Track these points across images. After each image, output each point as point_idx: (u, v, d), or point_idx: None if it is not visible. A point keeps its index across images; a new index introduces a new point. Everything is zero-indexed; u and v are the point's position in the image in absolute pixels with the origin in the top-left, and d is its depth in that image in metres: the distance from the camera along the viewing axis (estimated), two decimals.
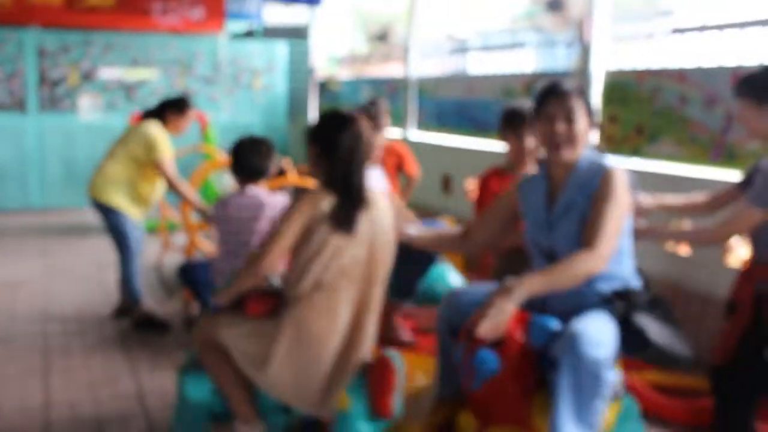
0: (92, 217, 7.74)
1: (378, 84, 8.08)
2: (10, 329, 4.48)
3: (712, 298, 4.02)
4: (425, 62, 7.36)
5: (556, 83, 2.55)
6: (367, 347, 2.59)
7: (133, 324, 4.54)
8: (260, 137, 3.60)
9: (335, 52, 9.57)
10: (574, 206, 2.50)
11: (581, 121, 2.50)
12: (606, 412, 2.38)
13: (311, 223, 2.47)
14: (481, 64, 6.66)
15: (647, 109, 4.53)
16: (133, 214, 4.53)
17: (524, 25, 5.99)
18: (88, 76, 8.90)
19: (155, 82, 9.16)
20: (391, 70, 8.20)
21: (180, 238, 6.08)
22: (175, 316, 4.69)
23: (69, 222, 8.03)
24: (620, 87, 4.74)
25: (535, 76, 5.55)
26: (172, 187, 4.53)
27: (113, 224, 4.51)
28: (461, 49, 6.89)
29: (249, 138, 3.56)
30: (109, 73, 8.98)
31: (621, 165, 2.50)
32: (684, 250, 4.31)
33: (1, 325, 4.56)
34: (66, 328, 4.52)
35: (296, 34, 10.25)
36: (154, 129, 4.50)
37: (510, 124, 3.48)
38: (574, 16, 5.21)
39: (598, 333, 2.26)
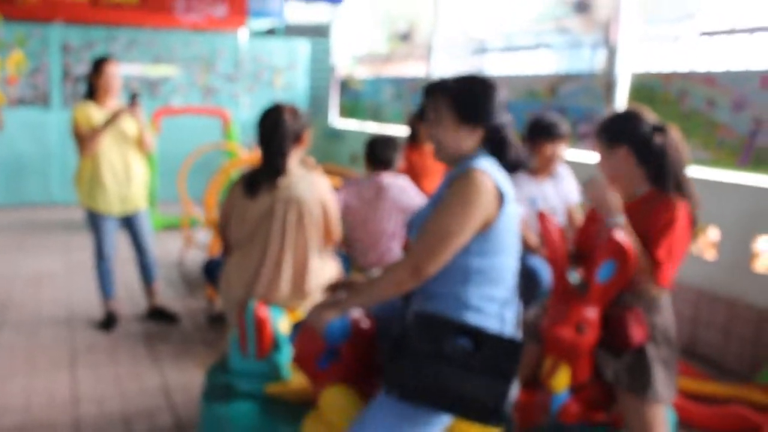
0: None
1: (399, 83, 8.07)
2: (36, 324, 4.53)
3: (738, 304, 4.00)
4: (447, 62, 7.35)
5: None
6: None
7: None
8: (390, 135, 4.00)
9: (356, 51, 9.58)
10: None
11: None
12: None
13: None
14: (503, 64, 6.64)
15: (674, 111, 4.50)
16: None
17: (548, 26, 5.97)
18: None
19: (177, 78, 9.21)
20: (412, 69, 8.19)
21: (203, 235, 6.11)
22: (198, 314, 4.72)
23: None
24: (646, 89, 4.71)
25: (559, 78, 5.53)
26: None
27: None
28: (483, 49, 6.87)
29: (381, 135, 3.98)
30: (131, 69, 9.03)
31: None
32: (711, 254, 4.29)
33: (28, 319, 4.61)
34: (90, 323, 4.56)
35: (318, 33, 10.27)
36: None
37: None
38: (601, 18, 5.19)
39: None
